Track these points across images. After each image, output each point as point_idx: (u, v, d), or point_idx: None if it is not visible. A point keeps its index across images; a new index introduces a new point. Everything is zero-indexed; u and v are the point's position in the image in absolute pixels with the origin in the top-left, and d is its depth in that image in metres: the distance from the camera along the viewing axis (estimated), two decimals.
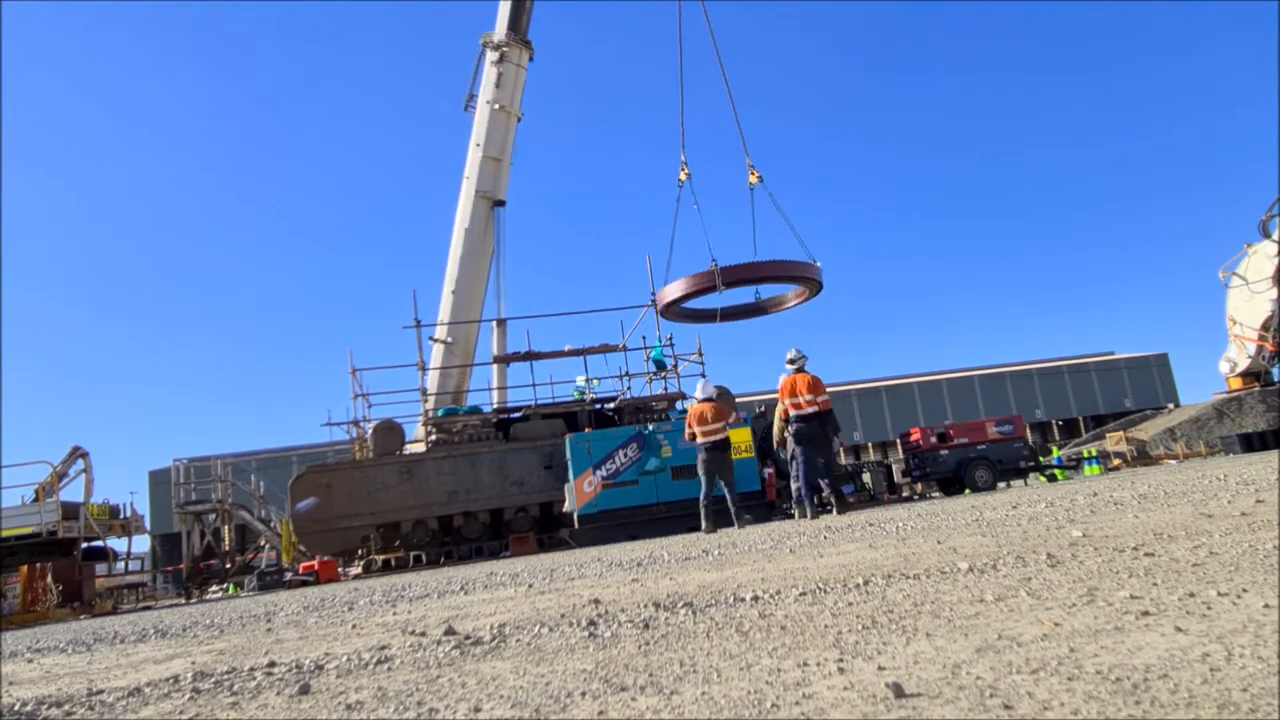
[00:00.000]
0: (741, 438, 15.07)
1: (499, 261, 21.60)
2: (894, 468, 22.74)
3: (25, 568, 16.58)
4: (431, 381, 19.55)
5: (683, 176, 20.64)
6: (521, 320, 24.14)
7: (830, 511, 10.25)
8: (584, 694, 1.72)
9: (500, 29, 21.91)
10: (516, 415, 18.47)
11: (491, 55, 21.91)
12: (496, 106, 21.57)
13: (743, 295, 21.43)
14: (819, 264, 19.54)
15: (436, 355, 20.46)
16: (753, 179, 20.53)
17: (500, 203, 21.78)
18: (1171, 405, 42.83)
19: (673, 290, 19.41)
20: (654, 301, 19.48)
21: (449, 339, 20.59)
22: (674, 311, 20.22)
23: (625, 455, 14.48)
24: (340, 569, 17.15)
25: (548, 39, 23.26)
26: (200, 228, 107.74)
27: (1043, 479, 20.13)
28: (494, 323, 21.09)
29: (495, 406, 19.60)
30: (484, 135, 21.57)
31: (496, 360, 20.30)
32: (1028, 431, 21.05)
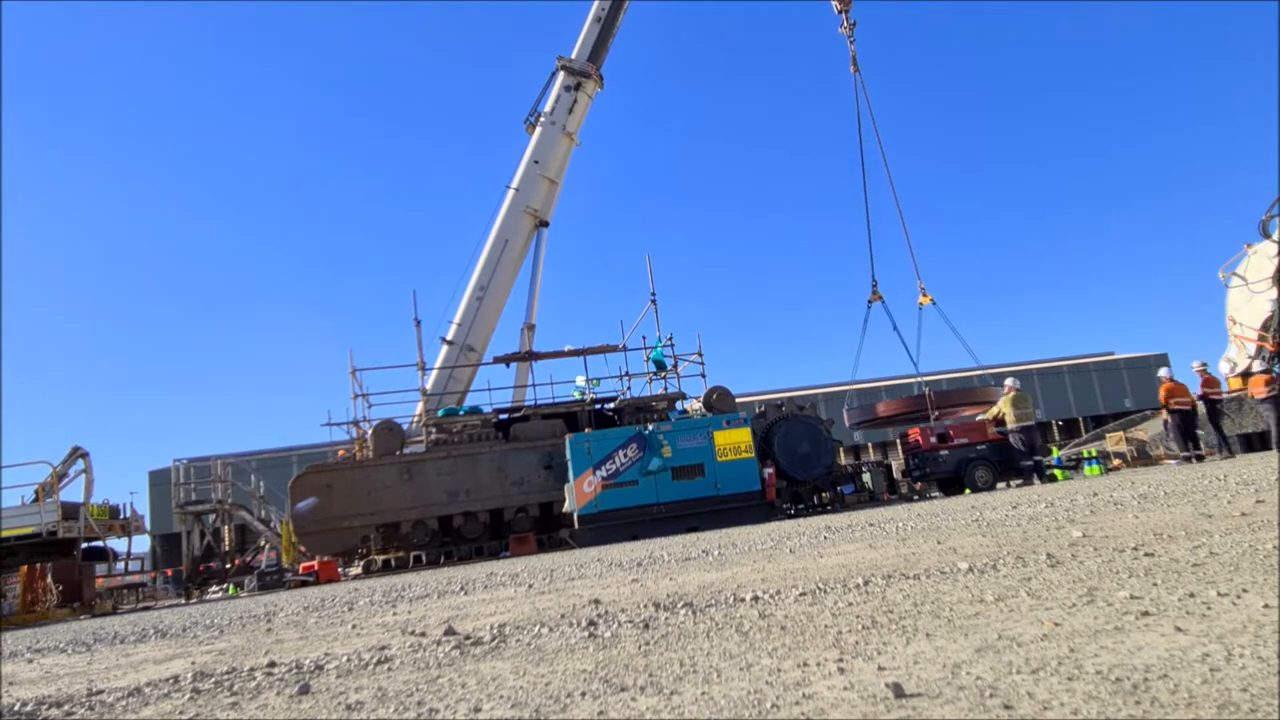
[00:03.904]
0: (741, 438, 15.08)
1: (535, 278, 21.83)
2: (894, 467, 22.75)
3: (25, 568, 16.56)
4: (433, 381, 19.56)
5: (873, 299, 22.94)
6: (509, 320, 24.37)
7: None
8: (584, 694, 1.72)
9: (580, 56, 22.00)
10: (517, 415, 18.47)
11: (567, 80, 21.98)
12: (562, 130, 21.70)
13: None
14: (995, 388, 22.06)
15: (443, 355, 20.51)
16: (924, 300, 22.63)
17: (545, 223, 21.89)
18: None
19: (888, 408, 22.08)
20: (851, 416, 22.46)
21: (470, 345, 20.67)
22: (876, 423, 22.79)
23: (625, 455, 14.47)
24: (340, 569, 17.14)
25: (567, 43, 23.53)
26: (200, 227, 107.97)
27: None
28: (524, 327, 21.25)
29: (510, 405, 19.60)
30: (544, 154, 21.67)
31: (497, 360, 20.31)
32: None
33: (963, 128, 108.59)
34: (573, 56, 22.19)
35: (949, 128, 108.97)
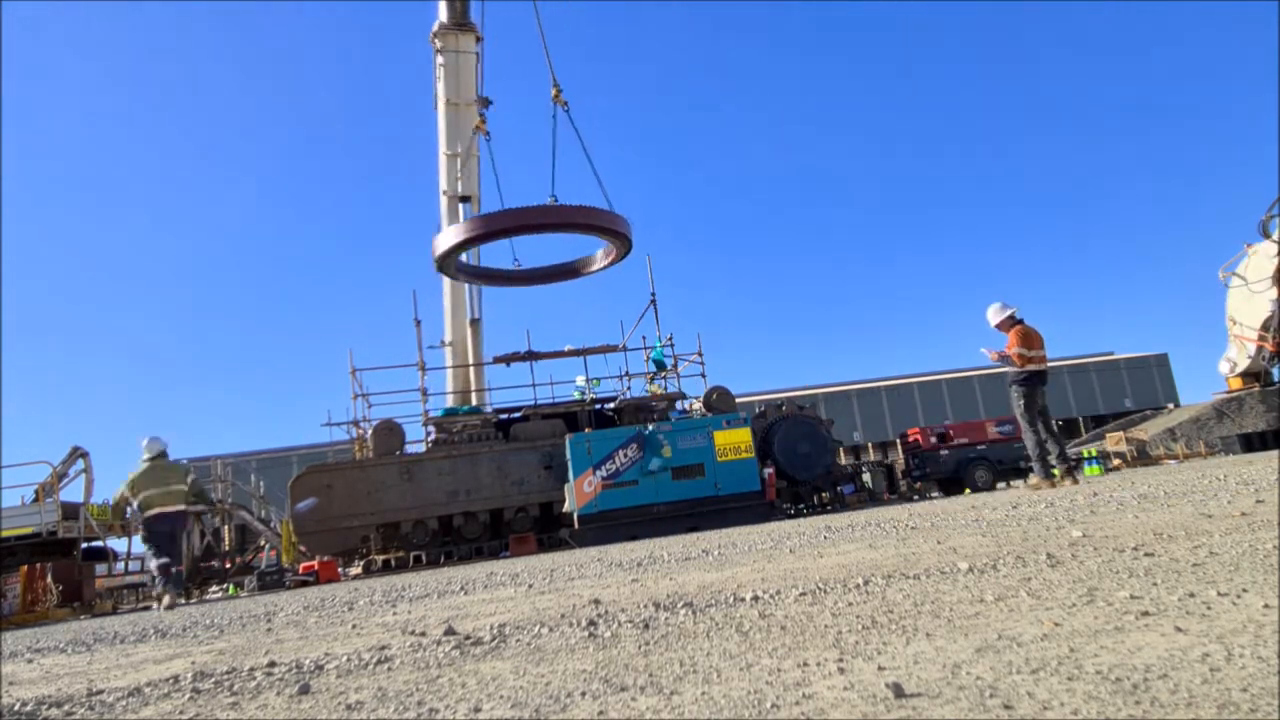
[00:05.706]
0: (741, 438, 15.08)
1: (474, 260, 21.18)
2: (894, 467, 22.75)
3: (25, 568, 16.56)
4: (446, 383, 19.59)
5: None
6: (510, 320, 24.10)
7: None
8: (584, 694, 1.72)
9: (444, 20, 20.49)
10: (516, 415, 18.47)
11: (441, 46, 20.68)
12: (448, 102, 20.50)
13: (556, 254, 19.39)
14: (625, 217, 15.98)
15: (447, 358, 20.55)
16: (556, 97, 16.59)
17: (465, 199, 20.41)
18: (1171, 405, 42.77)
19: (445, 239, 15.83)
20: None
21: (449, 340, 20.60)
22: (453, 266, 17.03)
23: (625, 455, 14.47)
24: (340, 569, 17.14)
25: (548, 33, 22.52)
26: (199, 227, 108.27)
27: None
28: (468, 322, 20.69)
29: (504, 406, 19.57)
30: (452, 139, 20.30)
31: (497, 360, 20.31)
32: None
33: (961, 127, 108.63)
34: (436, 27, 20.59)
35: (947, 126, 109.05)
